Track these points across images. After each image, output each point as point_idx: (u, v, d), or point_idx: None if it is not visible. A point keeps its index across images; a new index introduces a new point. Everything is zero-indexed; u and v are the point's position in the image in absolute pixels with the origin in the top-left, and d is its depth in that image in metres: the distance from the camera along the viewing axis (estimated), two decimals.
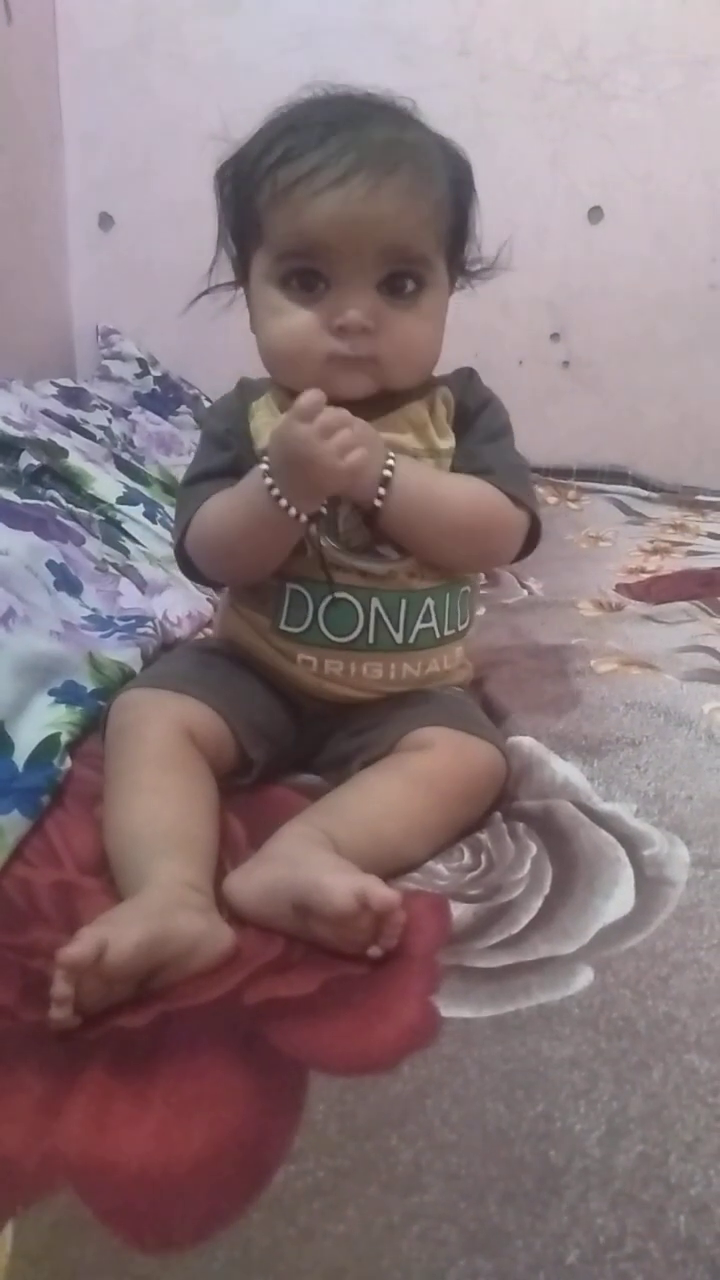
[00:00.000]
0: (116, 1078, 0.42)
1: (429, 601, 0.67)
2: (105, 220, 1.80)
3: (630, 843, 0.59)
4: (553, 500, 1.65)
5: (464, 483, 0.66)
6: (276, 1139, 0.39)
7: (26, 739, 0.65)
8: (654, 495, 1.78)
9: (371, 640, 0.66)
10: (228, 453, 0.68)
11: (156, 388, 1.69)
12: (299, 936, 0.51)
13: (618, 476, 1.83)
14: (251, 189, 0.62)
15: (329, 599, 0.65)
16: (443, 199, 0.63)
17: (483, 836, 0.61)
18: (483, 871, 0.58)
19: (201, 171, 1.86)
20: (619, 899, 0.54)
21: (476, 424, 0.69)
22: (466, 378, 0.70)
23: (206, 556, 0.68)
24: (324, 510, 0.62)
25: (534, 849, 0.59)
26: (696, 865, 0.57)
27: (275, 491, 0.60)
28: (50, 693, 0.70)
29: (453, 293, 0.68)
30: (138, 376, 1.70)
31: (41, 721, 0.67)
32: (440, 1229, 0.35)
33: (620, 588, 1.20)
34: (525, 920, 0.53)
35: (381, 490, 0.62)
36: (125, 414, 1.51)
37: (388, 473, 0.62)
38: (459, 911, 0.53)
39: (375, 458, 0.61)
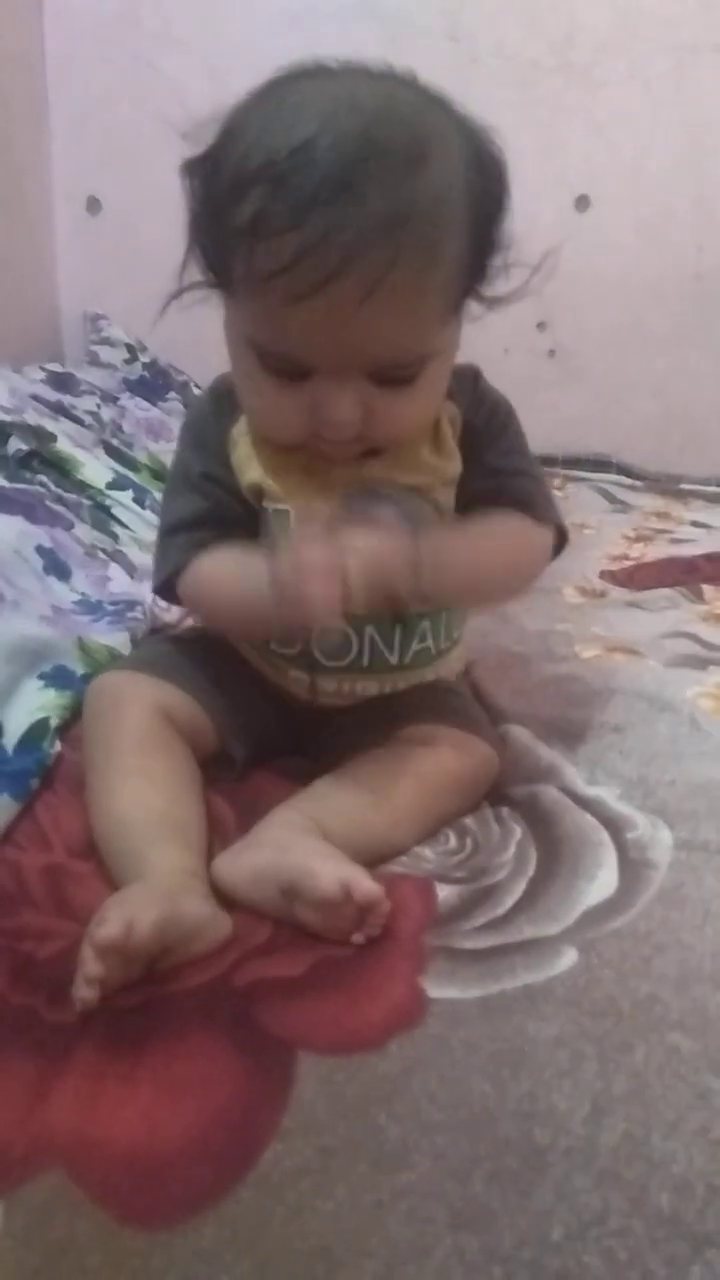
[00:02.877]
0: (106, 1059, 0.42)
1: (425, 622, 0.65)
2: (93, 204, 1.78)
3: (614, 826, 0.59)
4: None
5: (496, 539, 0.62)
6: (265, 1118, 0.39)
7: (16, 723, 0.65)
8: (638, 484, 1.78)
9: (366, 664, 0.64)
10: (204, 500, 0.63)
11: (145, 374, 1.68)
12: (284, 920, 0.51)
13: (602, 465, 1.84)
14: (220, 237, 0.52)
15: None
16: (462, 252, 0.53)
17: (468, 821, 0.61)
18: (468, 854, 0.58)
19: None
20: (603, 881, 0.55)
21: (492, 439, 0.64)
22: (472, 386, 0.63)
23: (203, 615, 0.69)
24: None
25: (519, 832, 0.60)
26: (679, 848, 0.57)
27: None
28: (40, 677, 0.70)
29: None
30: (126, 362, 1.69)
31: (31, 705, 0.67)
32: (427, 1206, 0.36)
33: (604, 575, 1.21)
34: (510, 902, 0.53)
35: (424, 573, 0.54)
36: (114, 399, 1.50)
37: (421, 571, 0.54)
38: (445, 893, 0.54)
39: (399, 566, 0.53)
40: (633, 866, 0.56)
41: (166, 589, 0.65)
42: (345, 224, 0.47)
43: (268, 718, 0.67)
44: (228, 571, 0.60)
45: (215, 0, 1.67)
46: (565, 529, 0.67)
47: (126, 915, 0.45)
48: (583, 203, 1.71)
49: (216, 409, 0.64)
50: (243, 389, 0.58)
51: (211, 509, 0.63)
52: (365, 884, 0.48)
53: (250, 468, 0.61)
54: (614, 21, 1.65)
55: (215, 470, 0.63)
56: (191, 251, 0.56)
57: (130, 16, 1.68)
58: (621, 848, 0.57)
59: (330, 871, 0.48)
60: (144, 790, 0.57)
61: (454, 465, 0.63)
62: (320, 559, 0.50)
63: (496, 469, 0.64)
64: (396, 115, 0.50)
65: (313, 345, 0.52)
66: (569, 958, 0.48)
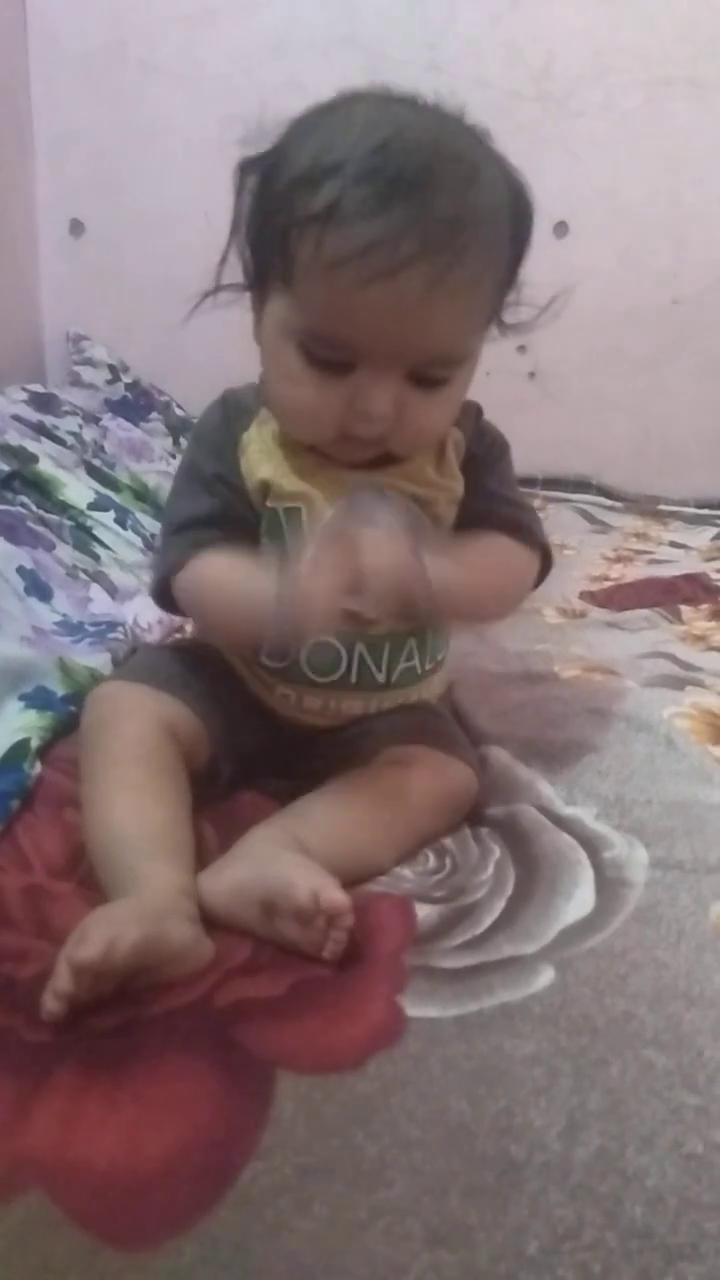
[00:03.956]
0: (86, 1080, 0.42)
1: (412, 641, 0.66)
2: (76, 226, 1.79)
3: (591, 845, 0.60)
4: None
5: (492, 558, 0.64)
6: (245, 1137, 0.39)
7: None
8: (618, 505, 1.81)
9: (354, 681, 0.65)
10: (214, 499, 0.64)
11: (128, 394, 1.69)
12: (265, 937, 0.51)
13: (582, 486, 1.86)
14: (284, 225, 0.53)
15: (313, 641, 0.63)
16: (504, 269, 0.57)
17: (447, 841, 0.62)
18: (447, 874, 0.59)
19: (174, 179, 1.87)
20: (580, 900, 0.55)
21: (490, 467, 0.67)
22: (475, 418, 0.67)
23: (196, 618, 0.68)
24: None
25: (497, 852, 0.60)
26: (654, 866, 0.58)
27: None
28: (20, 698, 0.70)
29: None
30: (109, 383, 1.70)
31: (12, 726, 0.67)
32: (404, 1223, 0.36)
33: (584, 595, 1.22)
34: (489, 921, 0.54)
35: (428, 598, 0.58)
36: (96, 420, 1.50)
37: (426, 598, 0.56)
38: (424, 913, 0.54)
39: (413, 574, 0.55)
40: (609, 885, 0.56)
41: (163, 591, 0.66)
42: (418, 219, 0.50)
43: (255, 735, 0.67)
44: (230, 568, 0.61)
45: (199, 30, 1.69)
46: (551, 554, 0.69)
47: (108, 935, 0.45)
48: (561, 229, 1.74)
49: (226, 416, 0.65)
50: (278, 384, 0.59)
51: (220, 509, 0.63)
52: (333, 893, 0.49)
53: (262, 466, 0.62)
54: (590, 55, 1.68)
55: (224, 472, 0.64)
56: (236, 248, 0.58)
57: (115, 46, 1.70)
58: (598, 867, 0.58)
59: (305, 882, 0.49)
60: (145, 806, 0.57)
61: (457, 485, 0.65)
62: (334, 560, 0.53)
63: (493, 494, 0.66)
64: (457, 133, 0.55)
65: (372, 331, 0.53)
66: (546, 976, 0.49)
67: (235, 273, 0.60)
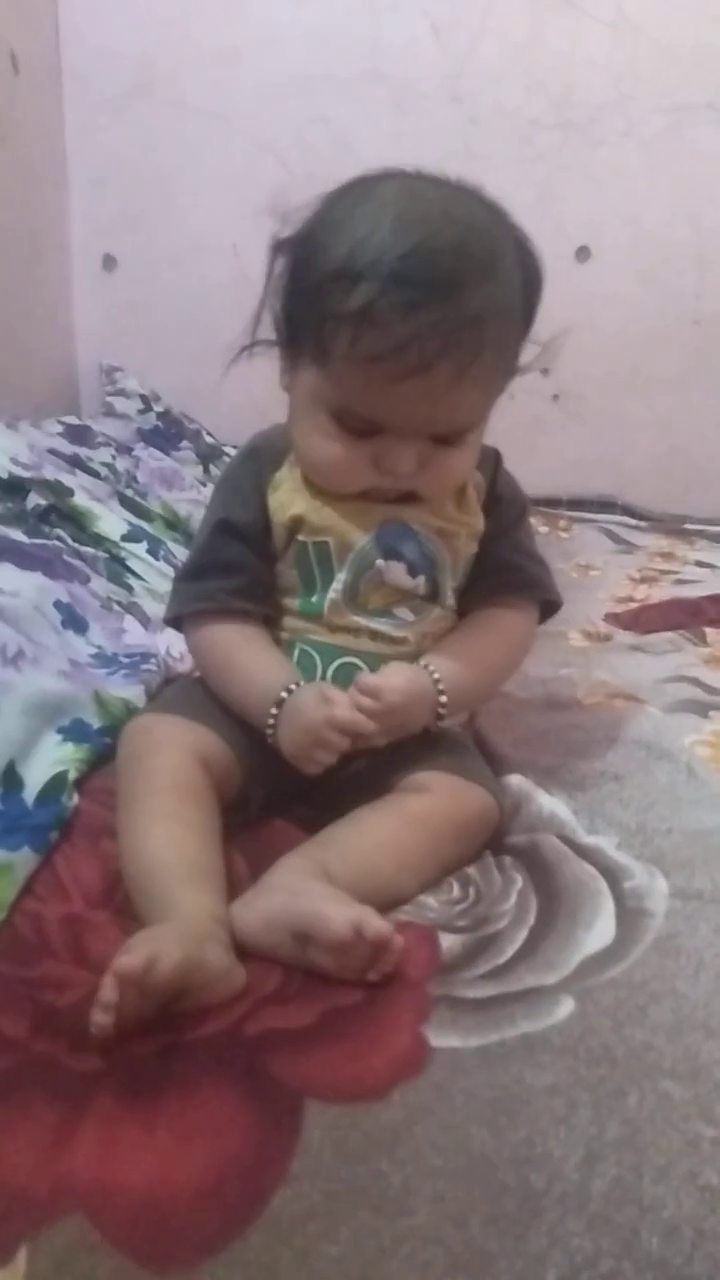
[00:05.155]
0: (124, 1106, 0.44)
1: None
2: (109, 261, 1.85)
3: (612, 875, 0.61)
4: (544, 529, 1.69)
5: (497, 647, 0.71)
6: (274, 1164, 0.41)
7: (36, 776, 0.67)
8: (643, 524, 1.81)
9: None
10: (235, 544, 0.69)
11: (159, 423, 1.73)
12: (297, 965, 0.53)
13: (607, 506, 1.87)
14: (320, 315, 0.58)
15: (338, 662, 0.67)
16: (520, 348, 0.63)
17: (471, 870, 0.63)
18: (471, 903, 0.60)
19: (202, 213, 1.92)
20: (600, 930, 0.56)
21: (511, 524, 0.72)
22: (494, 462, 0.72)
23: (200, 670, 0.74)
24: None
25: (520, 881, 0.61)
26: (674, 896, 0.59)
27: (270, 729, 0.64)
28: (58, 730, 0.72)
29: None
30: (140, 412, 1.74)
31: (50, 759, 0.69)
32: (427, 1250, 0.37)
33: (609, 617, 1.23)
34: (511, 951, 0.55)
35: (442, 711, 0.65)
36: (128, 450, 1.54)
37: (441, 710, 0.65)
38: (448, 942, 0.56)
39: (421, 712, 0.64)
40: (630, 915, 0.57)
41: (174, 622, 0.75)
42: (444, 321, 0.56)
43: (281, 763, 0.69)
44: (242, 672, 0.67)
45: (226, 70, 1.74)
46: (559, 603, 0.75)
47: (152, 950, 0.47)
48: (583, 254, 1.76)
49: (256, 461, 0.70)
50: (308, 440, 0.64)
51: (239, 554, 0.69)
52: (375, 922, 0.50)
53: (294, 503, 0.67)
54: (610, 83, 1.70)
55: (245, 515, 0.69)
56: (272, 318, 0.64)
57: (146, 87, 1.76)
58: (619, 897, 0.59)
59: (341, 914, 0.50)
60: (179, 834, 0.59)
61: (478, 521, 0.70)
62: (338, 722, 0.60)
63: (514, 545, 0.72)
64: (478, 228, 0.59)
65: (402, 414, 0.60)
66: (566, 1007, 0.50)
67: (266, 327, 0.65)
